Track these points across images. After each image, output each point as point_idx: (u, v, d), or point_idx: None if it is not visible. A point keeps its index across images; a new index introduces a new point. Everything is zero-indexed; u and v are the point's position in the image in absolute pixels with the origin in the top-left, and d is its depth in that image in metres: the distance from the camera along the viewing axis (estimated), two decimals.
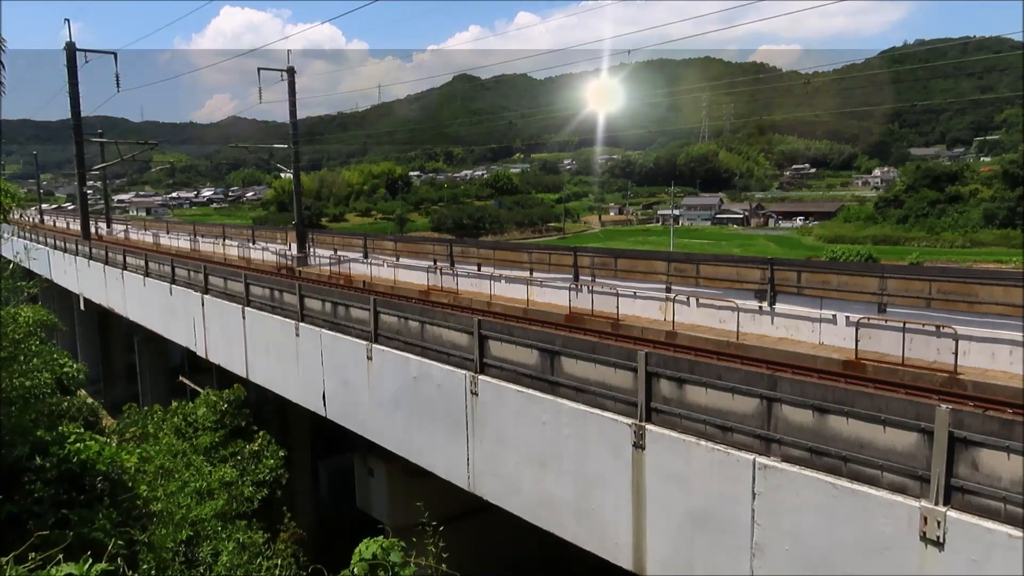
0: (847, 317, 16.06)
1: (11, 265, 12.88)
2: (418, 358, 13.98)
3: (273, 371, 19.76)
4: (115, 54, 39.57)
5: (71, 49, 37.78)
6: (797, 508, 8.09)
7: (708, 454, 8.95)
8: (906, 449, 7.40)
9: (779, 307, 17.48)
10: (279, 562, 13.96)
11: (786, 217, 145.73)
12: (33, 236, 49.10)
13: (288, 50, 37.66)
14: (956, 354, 13.60)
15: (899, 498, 7.31)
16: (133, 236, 59.56)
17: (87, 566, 5.06)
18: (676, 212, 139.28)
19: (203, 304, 23.39)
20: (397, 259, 31.67)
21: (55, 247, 42.78)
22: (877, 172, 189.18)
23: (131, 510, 10.31)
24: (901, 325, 14.59)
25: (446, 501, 14.21)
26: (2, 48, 9.19)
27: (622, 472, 9.99)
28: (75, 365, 22.37)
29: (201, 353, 24.17)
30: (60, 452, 9.57)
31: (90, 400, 28.61)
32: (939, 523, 6.96)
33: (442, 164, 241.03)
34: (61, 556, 5.21)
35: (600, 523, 10.42)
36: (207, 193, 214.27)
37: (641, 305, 20.46)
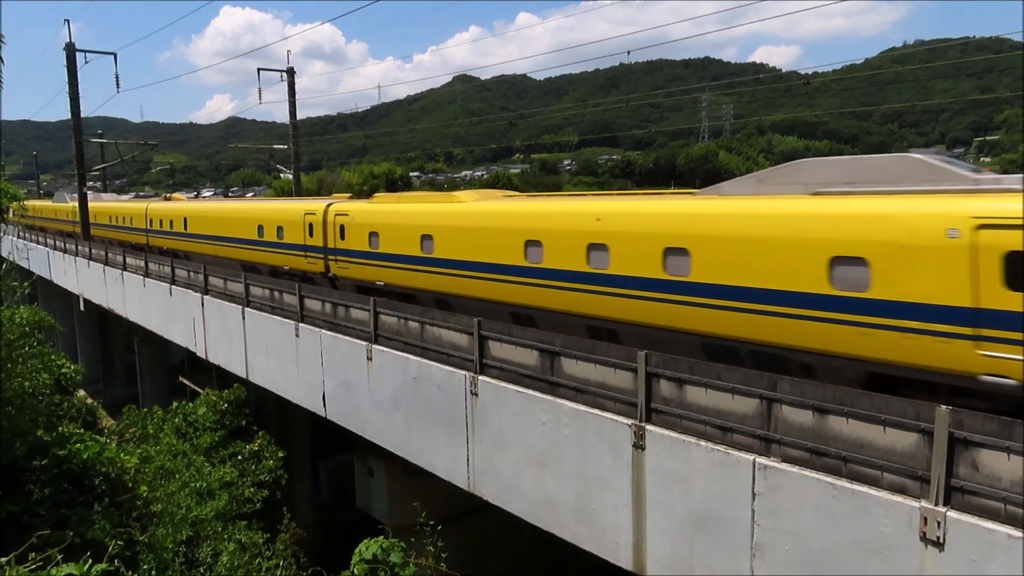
0: None
1: (3, 265, 12.81)
2: (418, 358, 13.98)
3: (273, 371, 19.76)
4: (115, 54, 39.61)
5: (71, 49, 37.77)
6: (797, 508, 8.09)
7: (708, 454, 8.95)
8: (906, 449, 7.41)
9: None
10: (279, 562, 13.97)
11: None
12: (32, 235, 49.12)
13: (288, 50, 37.78)
14: None
15: (899, 498, 7.31)
16: None
17: (87, 566, 5.08)
18: None
19: (203, 304, 23.39)
20: None
21: (55, 247, 42.79)
22: None
23: (131, 510, 10.32)
24: None
25: (446, 501, 14.22)
26: (1, 43, 9.17)
27: (622, 472, 9.99)
28: (72, 366, 22.39)
29: (201, 353, 24.17)
30: (60, 452, 9.58)
31: (89, 400, 28.63)
32: (939, 523, 6.96)
33: (442, 164, 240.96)
34: (61, 556, 5.22)
35: (600, 523, 10.42)
36: (207, 193, 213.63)
37: None
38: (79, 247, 37.88)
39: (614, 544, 10.20)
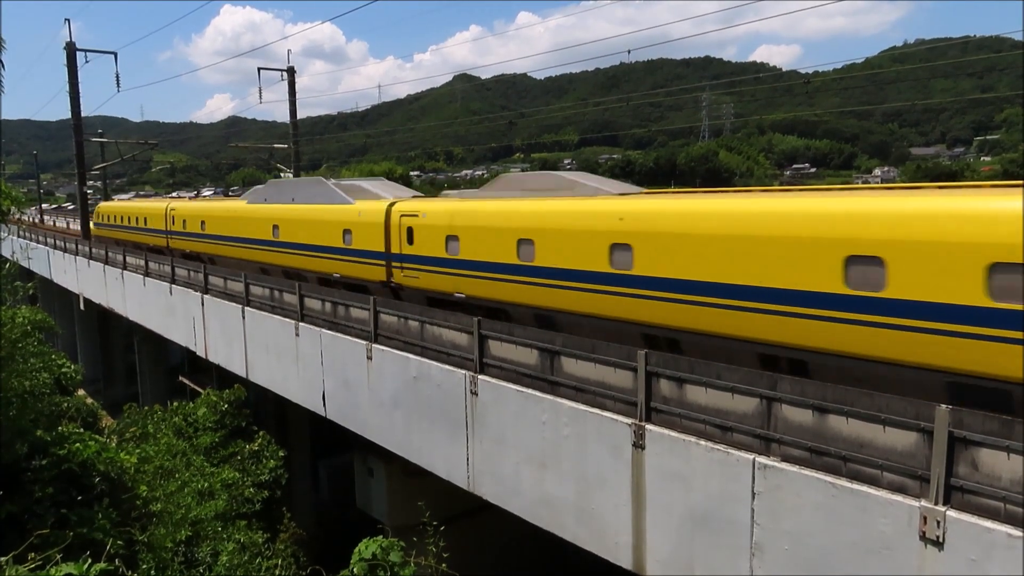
0: None
1: (7, 264, 12.81)
2: (418, 358, 13.98)
3: (273, 371, 19.76)
4: (115, 54, 39.62)
5: (71, 49, 37.77)
6: (797, 508, 8.09)
7: (708, 454, 8.95)
8: (906, 449, 7.40)
9: None
10: (279, 562, 13.97)
11: None
12: (32, 235, 49.06)
13: (288, 49, 37.89)
14: None
15: (899, 498, 7.31)
16: None
17: (87, 566, 5.07)
18: None
19: (203, 304, 23.39)
20: None
21: (55, 247, 42.77)
22: (877, 171, 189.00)
23: (131, 510, 10.32)
24: None
25: (446, 501, 14.21)
26: (1, 47, 9.18)
27: (622, 472, 9.98)
28: (72, 366, 22.38)
29: (201, 353, 24.16)
30: (60, 452, 9.57)
31: (89, 400, 28.64)
32: (939, 523, 6.96)
33: (442, 164, 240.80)
34: (60, 556, 5.22)
35: (600, 523, 10.42)
36: (207, 193, 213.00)
37: None
38: (79, 246, 37.89)
39: (614, 544, 10.19)
